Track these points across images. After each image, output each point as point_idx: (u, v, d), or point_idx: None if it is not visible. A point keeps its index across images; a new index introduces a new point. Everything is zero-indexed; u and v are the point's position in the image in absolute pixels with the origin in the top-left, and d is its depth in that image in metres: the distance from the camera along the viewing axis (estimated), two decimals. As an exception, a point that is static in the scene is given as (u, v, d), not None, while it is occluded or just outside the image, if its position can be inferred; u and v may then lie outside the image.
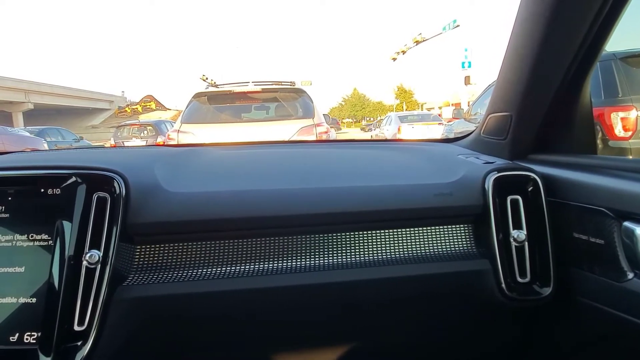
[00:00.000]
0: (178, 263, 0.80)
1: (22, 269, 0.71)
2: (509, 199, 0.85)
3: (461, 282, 0.84)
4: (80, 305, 0.70)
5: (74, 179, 0.75)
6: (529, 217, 0.84)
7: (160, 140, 11.30)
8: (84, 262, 0.71)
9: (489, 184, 0.84)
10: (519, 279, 0.83)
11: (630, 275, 0.68)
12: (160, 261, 0.79)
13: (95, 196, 0.75)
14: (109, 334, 0.71)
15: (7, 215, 0.73)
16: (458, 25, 28.47)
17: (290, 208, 0.81)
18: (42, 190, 0.74)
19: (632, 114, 3.16)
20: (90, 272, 0.71)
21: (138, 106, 44.93)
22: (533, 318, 0.92)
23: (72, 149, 1.14)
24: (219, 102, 4.83)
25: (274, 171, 0.95)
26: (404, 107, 47.65)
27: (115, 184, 0.75)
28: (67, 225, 0.72)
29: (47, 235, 0.72)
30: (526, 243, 0.83)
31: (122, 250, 0.75)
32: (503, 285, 0.82)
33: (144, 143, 11.58)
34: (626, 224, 0.68)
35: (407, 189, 0.86)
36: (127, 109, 44.73)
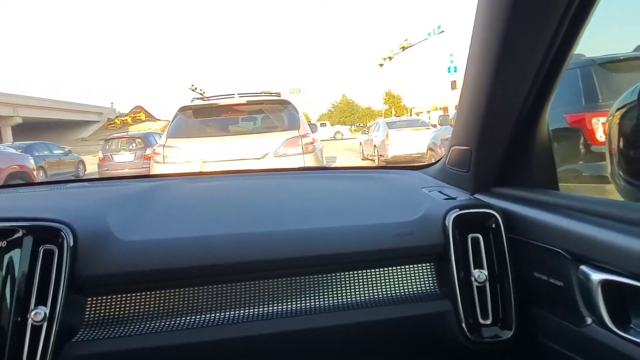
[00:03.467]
0: (131, 316, 0.76)
1: None
2: (469, 237, 0.83)
3: (424, 325, 0.83)
4: None
5: (19, 232, 0.72)
6: (489, 255, 0.82)
7: (149, 152, 11.24)
8: (29, 320, 0.67)
9: (449, 222, 0.83)
10: (481, 320, 0.81)
11: (589, 320, 0.66)
12: (112, 314, 0.76)
13: (41, 249, 0.71)
14: None
15: None
16: (443, 31, 28.74)
17: (246, 254, 0.79)
18: None
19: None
20: (36, 329, 0.67)
21: (127, 117, 44.67)
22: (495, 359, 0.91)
23: (19, 190, 1.12)
24: (204, 115, 4.83)
25: (232, 210, 0.93)
26: (393, 112, 47.88)
27: (63, 236, 0.72)
28: (10, 281, 0.69)
29: None
30: (487, 283, 0.81)
31: (71, 303, 0.72)
32: (464, 326, 0.80)
33: (133, 155, 11.50)
34: (582, 267, 0.66)
35: (368, 229, 0.84)
36: (116, 120, 44.44)
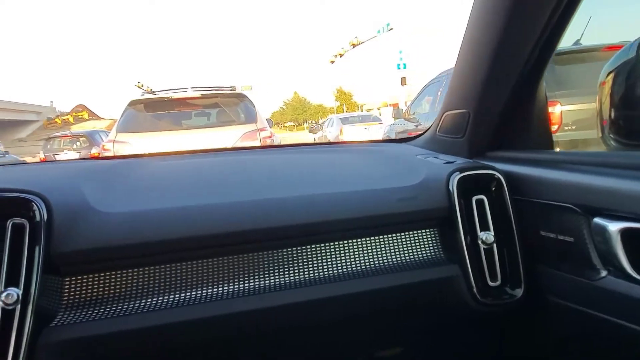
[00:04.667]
0: (114, 295, 0.69)
1: None
2: (474, 199, 0.82)
3: (431, 291, 0.81)
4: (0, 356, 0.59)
5: None
6: (495, 217, 0.81)
7: (94, 151, 10.72)
8: (0, 303, 0.60)
9: (454, 185, 0.81)
10: (490, 283, 0.80)
11: (604, 272, 0.66)
12: (92, 294, 0.69)
13: (9, 223, 0.63)
14: None
15: None
16: (392, 28, 29.30)
17: (239, 223, 0.73)
18: None
19: (557, 109, 3.36)
20: (8, 314, 0.60)
21: (69, 116, 42.56)
22: (506, 320, 0.91)
23: None
24: (156, 110, 4.63)
25: (218, 182, 0.87)
26: (344, 109, 48.29)
27: (35, 208, 0.64)
28: None
29: None
30: (494, 245, 0.80)
31: (47, 284, 0.65)
32: (475, 290, 0.79)
33: (77, 155, 10.89)
34: (596, 220, 0.66)
35: (369, 194, 0.81)
36: (57, 119, 42.21)
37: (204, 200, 0.76)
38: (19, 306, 0.60)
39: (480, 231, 0.80)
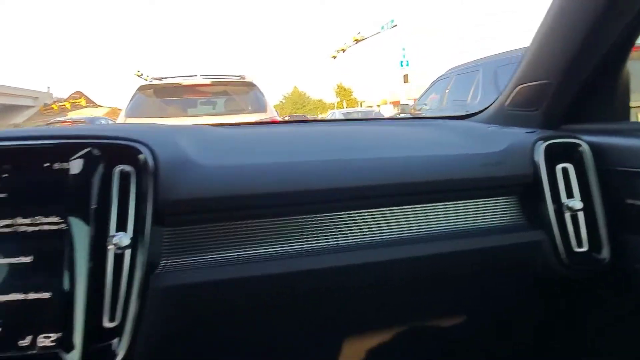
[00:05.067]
0: (213, 245, 0.71)
1: (29, 259, 0.59)
2: (559, 167, 0.82)
3: (515, 255, 0.82)
4: (110, 298, 0.60)
5: (89, 150, 0.63)
6: (579, 184, 0.82)
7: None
8: (110, 247, 0.60)
9: (540, 153, 0.82)
10: (575, 249, 0.81)
11: None
12: (193, 244, 0.70)
13: (117, 170, 0.64)
14: (146, 328, 0.62)
15: (3, 195, 0.60)
16: (395, 25, 29.26)
17: (338, 180, 0.74)
18: (48, 164, 0.62)
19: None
20: (118, 258, 0.61)
21: (66, 103, 42.17)
22: (590, 287, 0.91)
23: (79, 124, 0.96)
24: (166, 95, 4.59)
25: (309, 145, 0.87)
26: (344, 105, 48.27)
27: (143, 156, 0.65)
28: (83, 205, 0.61)
29: (58, 218, 0.60)
30: (580, 212, 0.81)
31: (152, 232, 0.65)
32: (562, 255, 0.80)
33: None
34: None
35: (454, 159, 0.82)
36: (53, 105, 41.79)
37: (298, 158, 0.76)
38: (128, 251, 0.61)
39: (567, 198, 0.82)
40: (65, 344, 0.57)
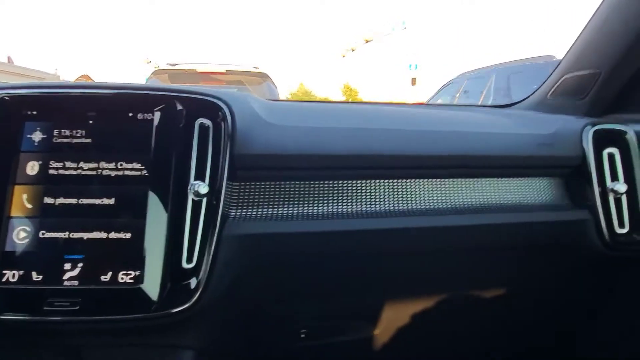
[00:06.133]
0: (279, 201, 0.75)
1: (112, 201, 0.63)
2: (606, 152, 0.86)
3: (560, 232, 0.86)
4: (189, 241, 0.63)
5: (172, 102, 0.67)
6: (625, 168, 0.86)
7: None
8: (190, 195, 0.64)
9: (589, 137, 0.86)
10: (618, 230, 0.85)
11: None
12: (261, 198, 0.74)
13: (197, 123, 0.67)
14: (219, 272, 0.66)
15: (88, 140, 0.64)
16: (406, 28, 29.23)
17: (403, 147, 0.78)
18: (131, 114, 0.65)
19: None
20: (196, 204, 0.64)
21: (72, 85, 42.14)
22: (631, 267, 0.96)
23: None
24: (180, 81, 4.60)
25: (369, 117, 0.90)
26: (350, 105, 48.18)
27: (223, 111, 0.68)
28: (165, 154, 0.65)
29: (139, 165, 0.64)
30: (624, 195, 0.85)
31: (227, 183, 0.68)
32: (605, 235, 0.84)
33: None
34: None
35: (510, 137, 0.86)
36: (59, 87, 41.81)
37: (365, 125, 0.80)
38: (205, 199, 0.64)
39: (611, 181, 0.86)
40: (146, 281, 0.61)
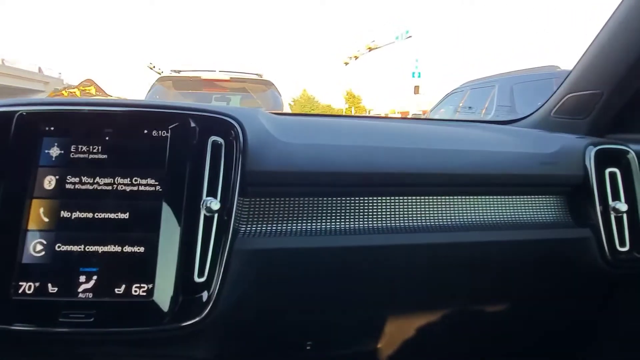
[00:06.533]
0: (291, 217, 0.77)
1: (126, 215, 0.65)
2: (607, 171, 0.88)
3: (562, 250, 0.88)
4: (200, 256, 0.65)
5: (184, 120, 0.69)
6: (625, 188, 0.88)
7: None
8: (202, 210, 0.65)
9: (591, 156, 0.88)
10: (619, 248, 0.87)
11: None
12: (270, 215, 0.76)
13: (210, 140, 0.69)
14: (230, 286, 0.67)
15: (104, 156, 0.66)
16: (410, 36, 29.36)
17: (411, 165, 0.79)
18: (146, 131, 0.68)
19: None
20: (208, 220, 0.66)
21: (76, 90, 41.75)
22: (631, 285, 0.97)
23: None
24: (185, 88, 4.64)
25: (374, 133, 0.92)
26: (353, 112, 48.30)
27: (235, 129, 0.70)
28: (178, 170, 0.67)
29: (153, 180, 0.66)
30: (625, 214, 0.87)
31: (238, 200, 0.70)
32: (607, 252, 0.86)
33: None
34: None
35: (513, 156, 0.88)
36: (63, 92, 41.16)
37: (372, 143, 0.82)
38: (217, 215, 0.66)
39: (612, 200, 0.87)
40: (159, 294, 0.63)
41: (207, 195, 0.66)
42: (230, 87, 4.84)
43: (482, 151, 0.87)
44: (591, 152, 0.88)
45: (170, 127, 0.68)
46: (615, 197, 0.88)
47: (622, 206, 0.86)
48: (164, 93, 4.51)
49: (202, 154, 0.68)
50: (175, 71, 5.02)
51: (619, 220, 0.87)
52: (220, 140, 0.69)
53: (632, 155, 0.89)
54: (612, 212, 0.86)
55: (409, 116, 8.84)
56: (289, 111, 4.69)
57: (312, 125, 0.95)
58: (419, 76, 25.58)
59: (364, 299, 0.87)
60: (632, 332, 1.00)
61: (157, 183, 0.66)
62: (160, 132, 0.68)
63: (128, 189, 0.65)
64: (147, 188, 0.66)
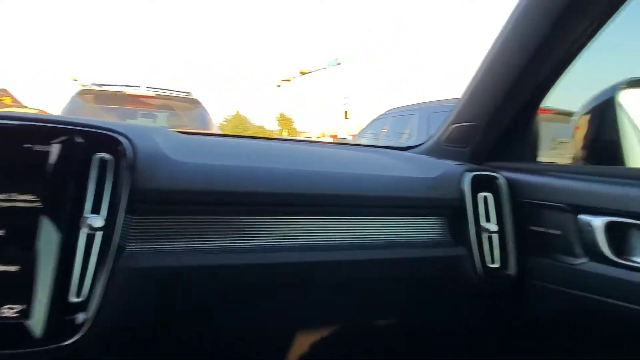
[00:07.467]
0: (177, 235, 0.77)
1: (1, 232, 0.62)
2: (480, 195, 0.97)
3: (440, 266, 0.95)
4: (79, 275, 0.64)
5: (70, 135, 0.67)
6: (496, 210, 0.97)
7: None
8: (83, 228, 0.65)
9: (467, 181, 0.97)
10: (490, 265, 0.95)
11: (584, 259, 0.83)
12: (159, 233, 0.76)
13: (96, 157, 0.68)
14: (113, 304, 0.66)
15: None
16: (339, 64, 30.32)
17: (297, 187, 0.83)
18: (28, 145, 0.65)
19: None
20: (89, 238, 0.65)
21: (-13, 100, 39.11)
22: (500, 298, 1.05)
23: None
24: (107, 103, 4.46)
25: (271, 155, 0.97)
26: (285, 134, 48.63)
27: (122, 146, 0.70)
28: (60, 187, 0.65)
29: (33, 197, 0.63)
30: (495, 234, 0.96)
31: (124, 218, 0.70)
32: (479, 269, 0.94)
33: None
34: (581, 216, 0.84)
35: (398, 179, 0.95)
36: (-28, 101, 38.64)
37: (264, 164, 0.86)
38: (100, 233, 0.65)
39: (485, 221, 0.96)
40: (30, 315, 0.60)
41: (91, 213, 0.66)
42: (156, 104, 4.75)
43: (374, 175, 0.93)
44: (467, 178, 0.97)
45: (53, 142, 0.66)
46: (488, 218, 0.96)
47: (492, 227, 0.95)
48: (82, 107, 4.31)
49: (87, 170, 0.67)
50: (97, 85, 4.85)
51: (490, 240, 0.96)
52: (108, 156, 0.69)
53: (501, 180, 0.98)
54: (484, 232, 0.95)
55: (336, 140, 9.13)
56: (219, 131, 4.66)
57: (215, 145, 0.97)
58: (349, 101, 26.47)
59: (249, 317, 0.89)
60: (504, 343, 1.10)
61: (37, 199, 0.63)
62: (43, 146, 0.65)
63: (4, 205, 0.62)
64: (26, 204, 0.63)
